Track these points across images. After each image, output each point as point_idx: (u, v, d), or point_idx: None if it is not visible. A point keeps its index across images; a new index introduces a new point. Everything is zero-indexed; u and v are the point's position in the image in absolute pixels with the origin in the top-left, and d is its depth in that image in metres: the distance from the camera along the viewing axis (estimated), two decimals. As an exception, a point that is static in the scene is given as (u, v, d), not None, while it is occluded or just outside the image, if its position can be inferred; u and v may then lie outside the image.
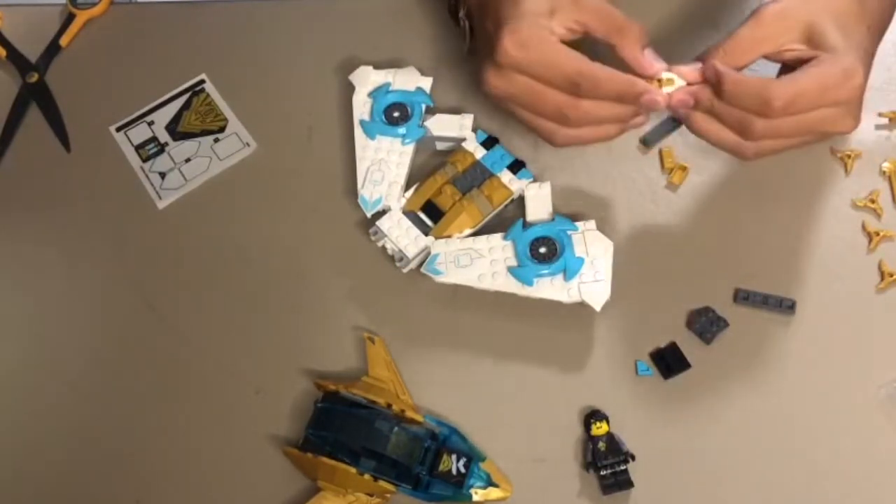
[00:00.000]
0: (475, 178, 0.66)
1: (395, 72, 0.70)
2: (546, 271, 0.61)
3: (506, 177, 0.66)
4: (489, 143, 0.67)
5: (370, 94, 0.69)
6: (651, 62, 0.59)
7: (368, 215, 0.65)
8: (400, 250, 0.64)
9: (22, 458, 0.62)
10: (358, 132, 0.68)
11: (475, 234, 0.64)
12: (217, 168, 0.71)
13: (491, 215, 0.65)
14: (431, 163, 0.69)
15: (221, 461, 0.61)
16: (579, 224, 0.62)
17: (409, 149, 0.67)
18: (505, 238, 0.63)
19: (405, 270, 0.65)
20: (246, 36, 0.76)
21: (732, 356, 0.61)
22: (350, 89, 0.70)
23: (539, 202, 0.65)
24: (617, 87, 0.58)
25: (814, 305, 0.62)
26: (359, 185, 0.66)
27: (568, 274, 0.60)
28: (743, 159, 0.60)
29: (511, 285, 0.61)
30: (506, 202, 0.65)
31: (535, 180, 0.66)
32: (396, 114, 0.68)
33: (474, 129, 0.68)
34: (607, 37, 0.59)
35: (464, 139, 0.67)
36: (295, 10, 0.77)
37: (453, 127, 0.68)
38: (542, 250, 0.62)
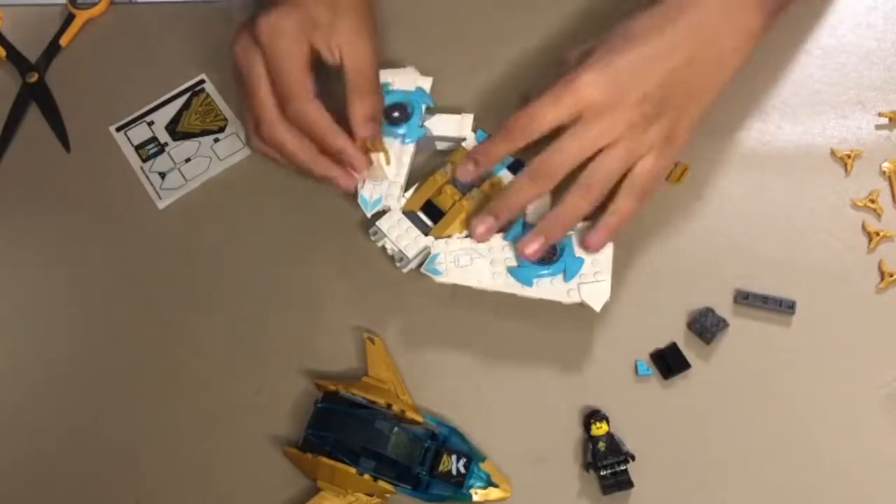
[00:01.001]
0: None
1: (396, 72, 0.69)
2: (546, 272, 0.61)
3: (506, 177, 0.66)
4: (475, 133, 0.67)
5: None
6: (371, 130, 0.63)
7: (368, 215, 0.65)
8: (400, 250, 0.63)
9: (22, 458, 0.62)
10: None
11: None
12: (217, 168, 0.70)
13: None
14: (431, 163, 0.69)
15: (221, 461, 0.61)
16: (579, 225, 0.62)
17: (410, 149, 0.67)
18: (505, 238, 0.63)
19: (405, 270, 0.65)
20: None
21: (732, 356, 0.61)
22: (350, 89, 0.70)
23: (539, 202, 0.65)
24: (321, 127, 0.61)
25: (814, 305, 0.62)
26: (359, 185, 0.66)
27: (568, 275, 0.60)
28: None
29: (511, 286, 0.61)
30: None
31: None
32: (396, 114, 0.68)
33: (474, 129, 0.68)
34: (352, 88, 0.62)
35: (464, 139, 0.67)
36: (295, 10, 0.77)
37: (453, 127, 0.68)
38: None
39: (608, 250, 0.61)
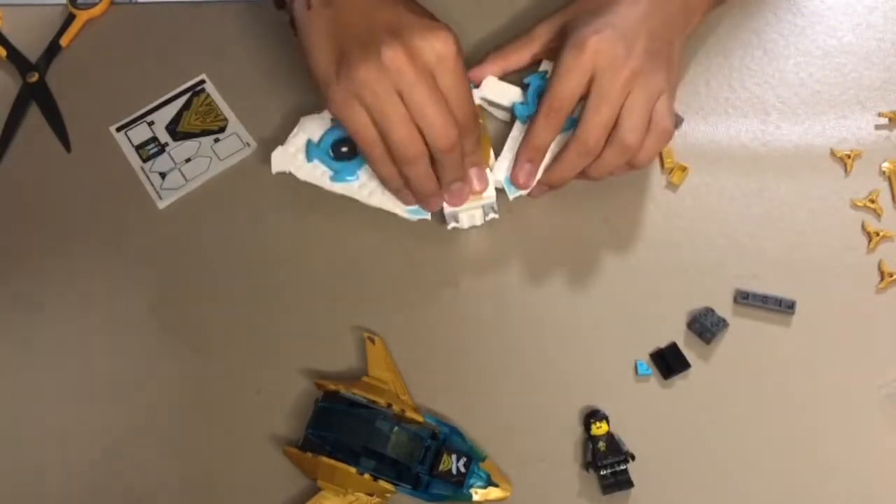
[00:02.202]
0: None
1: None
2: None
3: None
4: None
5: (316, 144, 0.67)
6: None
7: (429, 217, 0.65)
8: (486, 205, 0.64)
9: (21, 458, 0.62)
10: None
11: (496, 151, 0.66)
12: (217, 168, 0.70)
13: (486, 132, 0.67)
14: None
15: (221, 461, 0.61)
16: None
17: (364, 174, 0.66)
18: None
19: (498, 216, 0.65)
20: (246, 36, 0.75)
21: (732, 356, 0.61)
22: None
23: (501, 94, 0.67)
24: (477, 146, 0.62)
25: (814, 305, 0.62)
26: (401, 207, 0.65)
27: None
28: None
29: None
30: (481, 115, 0.68)
31: (476, 86, 0.68)
32: (345, 149, 0.66)
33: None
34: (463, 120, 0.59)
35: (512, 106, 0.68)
36: (295, 10, 0.77)
37: (504, 94, 0.68)
38: None
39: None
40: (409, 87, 0.56)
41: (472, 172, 0.63)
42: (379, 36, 0.56)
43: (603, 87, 0.59)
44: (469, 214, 0.65)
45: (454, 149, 0.59)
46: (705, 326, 0.61)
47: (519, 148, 0.64)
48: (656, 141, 0.61)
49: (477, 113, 0.61)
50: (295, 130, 0.67)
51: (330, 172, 0.66)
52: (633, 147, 0.60)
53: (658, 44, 0.61)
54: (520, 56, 0.69)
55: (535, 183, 0.64)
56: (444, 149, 0.58)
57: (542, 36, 0.67)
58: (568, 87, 0.60)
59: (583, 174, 0.63)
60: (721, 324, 0.61)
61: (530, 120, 0.63)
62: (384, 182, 0.62)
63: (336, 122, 0.67)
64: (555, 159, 0.63)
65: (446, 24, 0.58)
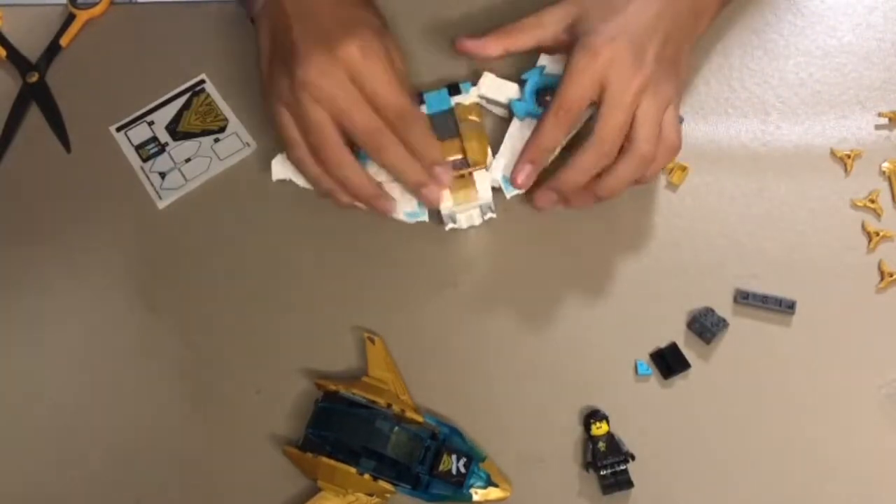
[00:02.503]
0: (445, 122, 0.66)
1: None
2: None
3: (459, 100, 0.67)
4: (419, 100, 0.67)
5: None
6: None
7: (426, 219, 0.65)
8: (484, 205, 0.64)
9: (21, 457, 0.62)
10: None
11: (495, 148, 0.66)
12: (217, 168, 0.70)
13: (483, 129, 0.67)
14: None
15: (221, 461, 0.61)
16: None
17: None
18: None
19: (495, 215, 0.65)
20: (246, 36, 0.75)
21: (732, 356, 0.61)
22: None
23: (499, 91, 0.67)
24: (423, 140, 0.62)
25: (814, 305, 0.62)
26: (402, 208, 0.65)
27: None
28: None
29: None
30: (479, 113, 0.67)
31: (474, 83, 0.68)
32: None
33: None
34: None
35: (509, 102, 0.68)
36: (295, 10, 0.77)
37: (501, 90, 0.68)
38: (549, 99, 0.62)
39: None
40: (328, 100, 0.60)
41: (437, 170, 0.62)
42: (299, 49, 0.60)
43: (614, 96, 0.59)
44: (467, 215, 0.65)
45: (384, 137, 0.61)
46: (705, 326, 0.61)
47: (524, 147, 0.63)
48: (664, 154, 0.61)
49: (412, 103, 0.61)
50: None
51: None
52: (648, 157, 0.60)
53: (669, 49, 0.61)
54: (525, 38, 0.66)
55: (531, 183, 0.64)
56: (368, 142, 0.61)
57: (550, 24, 0.65)
58: (579, 89, 0.60)
59: (592, 192, 0.62)
60: (721, 324, 0.61)
61: (538, 120, 0.63)
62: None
63: None
64: (568, 163, 0.62)
65: (369, 25, 0.61)
